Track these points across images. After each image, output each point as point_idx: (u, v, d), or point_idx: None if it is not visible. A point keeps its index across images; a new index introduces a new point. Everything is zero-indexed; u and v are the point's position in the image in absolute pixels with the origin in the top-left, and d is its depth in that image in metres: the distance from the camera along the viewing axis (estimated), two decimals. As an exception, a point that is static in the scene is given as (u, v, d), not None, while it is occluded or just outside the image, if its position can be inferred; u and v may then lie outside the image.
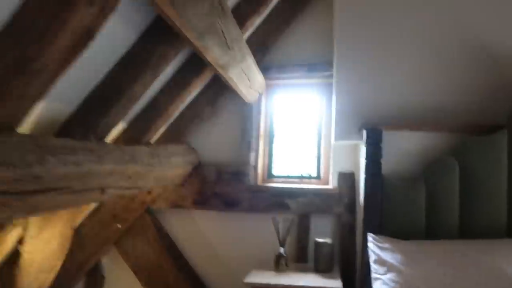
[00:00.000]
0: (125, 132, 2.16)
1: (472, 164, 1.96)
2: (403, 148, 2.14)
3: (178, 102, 2.20)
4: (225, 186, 2.59)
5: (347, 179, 2.50)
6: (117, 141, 2.13)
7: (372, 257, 1.90)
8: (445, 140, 2.09)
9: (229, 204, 2.58)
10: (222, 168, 2.62)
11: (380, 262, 1.84)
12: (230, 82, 2.11)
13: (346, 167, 2.52)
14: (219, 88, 2.53)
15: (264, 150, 2.76)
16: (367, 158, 2.08)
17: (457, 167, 1.97)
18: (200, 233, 2.68)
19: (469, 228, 1.94)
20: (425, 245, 1.86)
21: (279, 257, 2.34)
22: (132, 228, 2.66)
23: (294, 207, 2.52)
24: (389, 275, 1.77)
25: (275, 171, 2.76)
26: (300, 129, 2.78)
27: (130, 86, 1.72)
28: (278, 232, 2.40)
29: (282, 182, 2.71)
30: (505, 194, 1.92)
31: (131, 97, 1.78)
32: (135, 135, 2.16)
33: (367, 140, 2.08)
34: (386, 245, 1.88)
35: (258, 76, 2.42)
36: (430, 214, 1.98)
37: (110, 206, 2.64)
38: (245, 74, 2.16)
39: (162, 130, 2.46)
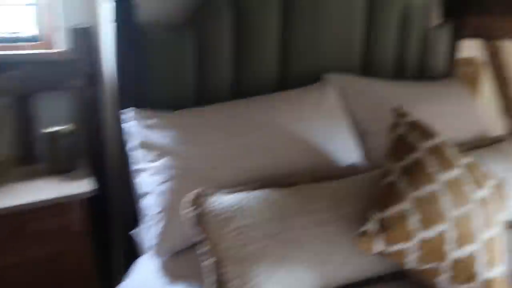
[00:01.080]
0: None
1: (246, 4, 1.56)
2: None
3: None
4: None
5: (83, 37, 1.75)
6: None
7: (135, 140, 1.36)
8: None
9: None
10: None
11: (148, 145, 1.33)
12: None
13: (79, 21, 1.74)
14: None
15: None
16: (115, -1, 1.39)
17: (230, 12, 1.53)
18: None
19: (242, 86, 1.63)
20: (202, 113, 1.45)
21: (-9, 163, 1.51)
22: None
23: (5, 86, 1.63)
24: (163, 160, 1.30)
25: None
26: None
27: None
28: (-19, 127, 1.52)
29: (-25, 48, 1.70)
30: (276, 41, 1.65)
31: None
32: None
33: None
34: (154, 121, 1.37)
35: None
36: (200, 73, 1.54)
37: None
38: None
39: None
